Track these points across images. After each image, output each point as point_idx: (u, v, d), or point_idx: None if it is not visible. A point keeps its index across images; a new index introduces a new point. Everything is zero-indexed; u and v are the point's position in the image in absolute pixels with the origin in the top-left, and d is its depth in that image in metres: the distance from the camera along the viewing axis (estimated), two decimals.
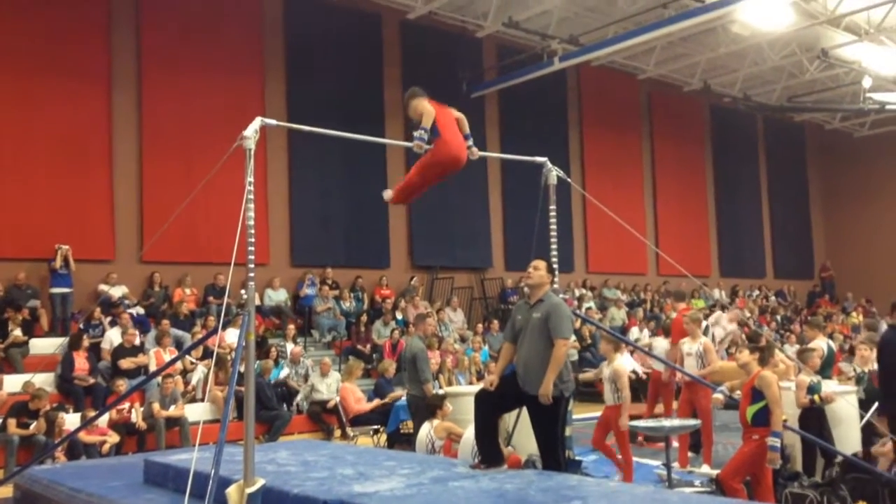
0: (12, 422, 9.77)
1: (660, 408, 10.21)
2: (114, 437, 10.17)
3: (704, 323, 10.20)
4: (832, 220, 27.88)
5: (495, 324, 16.71)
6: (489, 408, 5.95)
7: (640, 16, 16.94)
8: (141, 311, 13.38)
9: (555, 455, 5.78)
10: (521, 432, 7.27)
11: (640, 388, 15.74)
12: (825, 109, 24.74)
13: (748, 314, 18.71)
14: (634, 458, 9.06)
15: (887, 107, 21.37)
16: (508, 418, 7.65)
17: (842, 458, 7.06)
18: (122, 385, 10.90)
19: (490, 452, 5.83)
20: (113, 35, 14.31)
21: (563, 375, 5.72)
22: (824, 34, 18.94)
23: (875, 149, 26.31)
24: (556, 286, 7.23)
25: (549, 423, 5.74)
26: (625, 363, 15.64)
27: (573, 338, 15.61)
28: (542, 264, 5.99)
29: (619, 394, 7.67)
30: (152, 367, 11.58)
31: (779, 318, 22.05)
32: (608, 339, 8.30)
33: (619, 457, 7.85)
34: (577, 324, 16.00)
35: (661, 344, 10.40)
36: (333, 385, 12.66)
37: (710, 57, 20.46)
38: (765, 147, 26.56)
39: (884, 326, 10.78)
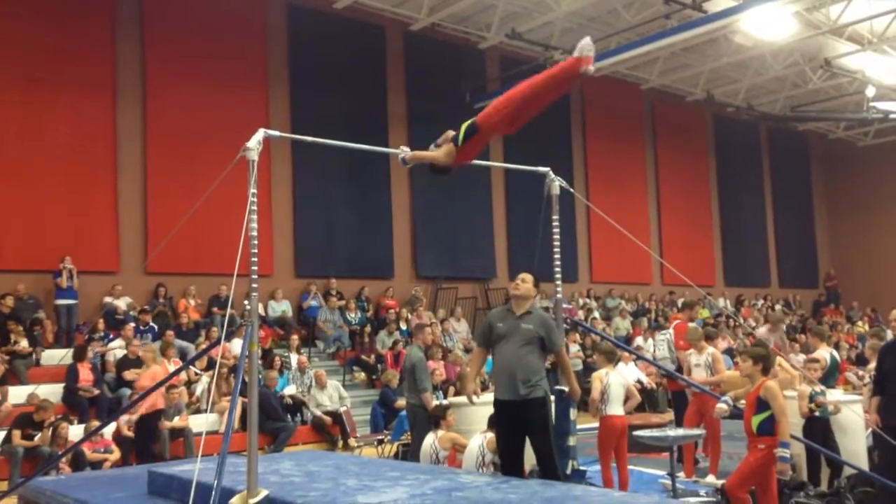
0: (17, 433, 9.78)
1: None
2: (115, 455, 10.16)
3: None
4: (836, 229, 27.85)
5: None
6: (507, 432, 6.02)
7: (643, 26, 16.98)
8: (151, 323, 13.37)
9: (551, 461, 5.80)
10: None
11: (645, 398, 15.75)
12: (829, 119, 24.74)
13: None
14: (639, 468, 9.05)
15: (891, 116, 21.37)
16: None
17: (855, 471, 7.04)
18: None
19: (510, 468, 5.95)
20: (118, 47, 14.39)
21: (532, 379, 5.75)
22: (827, 44, 18.98)
23: (879, 158, 26.32)
24: (559, 295, 7.25)
25: (541, 429, 5.82)
26: (629, 373, 15.72)
27: (577, 348, 15.67)
28: (529, 277, 6.08)
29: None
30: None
31: (784, 327, 21.97)
32: (600, 350, 8.26)
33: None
34: (579, 337, 16.05)
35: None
36: (335, 395, 12.69)
37: (713, 67, 20.51)
38: (768, 156, 26.56)
39: (889, 335, 10.77)
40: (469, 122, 5.54)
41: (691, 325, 9.69)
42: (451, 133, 5.66)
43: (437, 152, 5.66)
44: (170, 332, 12.78)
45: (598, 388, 7.63)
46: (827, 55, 19.33)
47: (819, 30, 17.79)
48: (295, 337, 14.21)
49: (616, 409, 7.61)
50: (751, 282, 24.98)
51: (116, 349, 12.36)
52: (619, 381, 7.71)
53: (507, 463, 6.01)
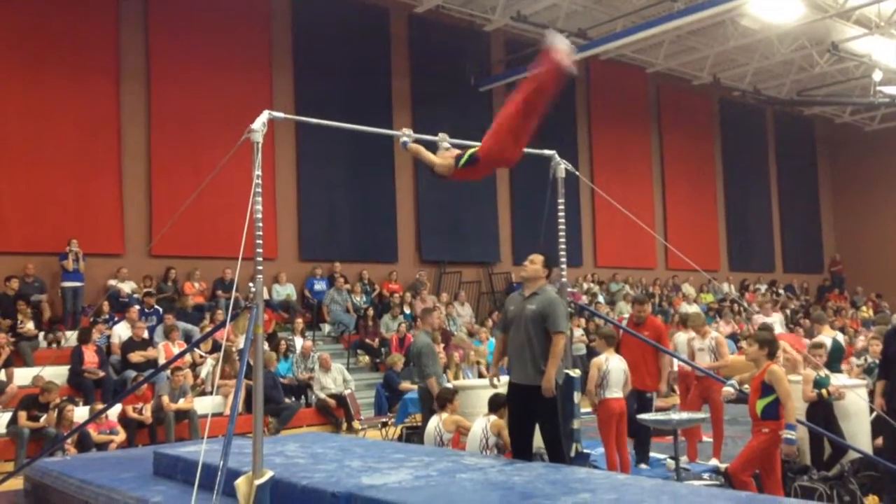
0: (23, 414, 9.82)
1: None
2: (121, 436, 10.20)
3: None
4: (842, 214, 27.77)
5: None
6: (515, 413, 6.04)
7: (649, 9, 16.88)
8: (156, 305, 13.38)
9: (559, 447, 5.82)
10: None
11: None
12: (835, 103, 24.63)
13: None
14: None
15: None
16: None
17: (859, 455, 7.05)
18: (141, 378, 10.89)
19: (518, 450, 6.00)
20: (121, 30, 14.33)
21: (542, 365, 5.77)
22: (834, 27, 18.85)
23: (885, 142, 26.19)
24: (564, 279, 7.24)
25: (549, 415, 5.80)
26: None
27: (581, 332, 15.66)
28: (538, 258, 6.07)
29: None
30: (161, 361, 11.62)
31: (788, 312, 21.97)
32: (601, 334, 8.28)
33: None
34: (583, 322, 16.02)
35: (681, 338, 10.18)
36: (339, 378, 12.74)
37: (719, 50, 20.38)
38: (774, 141, 26.45)
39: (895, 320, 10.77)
40: (472, 150, 5.75)
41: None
42: (455, 151, 5.90)
43: (436, 160, 5.89)
44: (169, 315, 12.75)
45: (594, 377, 7.65)
46: (834, 39, 19.21)
47: (826, 13, 17.66)
48: (299, 321, 14.25)
49: (615, 392, 7.64)
50: (755, 267, 24.94)
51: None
52: (619, 366, 7.73)
53: (517, 444, 6.04)
